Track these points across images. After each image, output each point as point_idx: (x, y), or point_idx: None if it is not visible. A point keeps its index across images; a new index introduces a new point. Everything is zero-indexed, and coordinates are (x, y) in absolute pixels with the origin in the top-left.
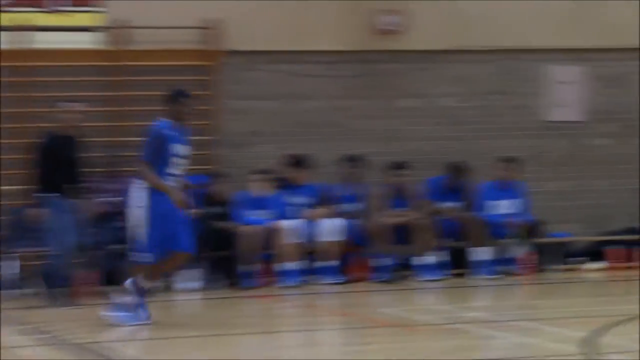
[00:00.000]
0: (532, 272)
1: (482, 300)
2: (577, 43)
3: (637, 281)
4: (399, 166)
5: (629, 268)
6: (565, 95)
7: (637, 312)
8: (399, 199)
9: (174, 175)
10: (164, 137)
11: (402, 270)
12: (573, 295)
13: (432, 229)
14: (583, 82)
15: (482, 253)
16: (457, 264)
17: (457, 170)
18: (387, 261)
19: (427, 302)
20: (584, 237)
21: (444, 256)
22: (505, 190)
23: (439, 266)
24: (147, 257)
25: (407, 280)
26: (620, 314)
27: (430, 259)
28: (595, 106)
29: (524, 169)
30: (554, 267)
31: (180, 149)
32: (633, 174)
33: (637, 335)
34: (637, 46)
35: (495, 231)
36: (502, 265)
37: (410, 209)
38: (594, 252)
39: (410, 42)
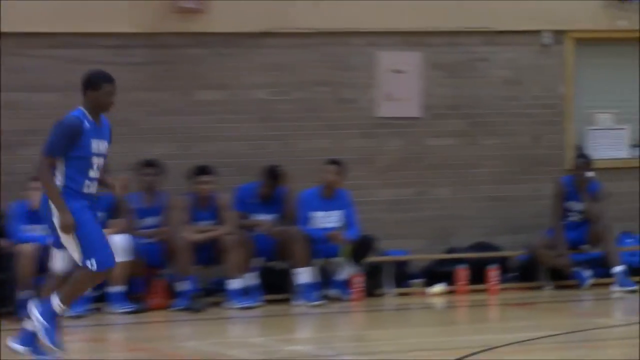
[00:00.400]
0: (363, 297)
1: (303, 331)
2: (414, 25)
3: (486, 306)
4: (202, 171)
5: (477, 291)
6: (400, 87)
7: (489, 344)
8: (204, 210)
9: (93, 179)
10: (80, 128)
11: (209, 296)
12: (411, 324)
13: (245, 246)
14: (421, 72)
15: (302, 275)
16: (274, 288)
17: (273, 175)
18: (191, 285)
19: (238, 334)
20: (424, 255)
21: (258, 279)
22: (330, 199)
23: (253, 291)
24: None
25: (216, 307)
26: (468, 346)
27: (243, 282)
28: (436, 100)
29: (351, 174)
30: (389, 291)
31: (98, 144)
32: (480, 180)
33: None
34: (488, 28)
35: (318, 249)
36: (327, 289)
37: (218, 222)
38: (436, 273)
39: (214, 23)
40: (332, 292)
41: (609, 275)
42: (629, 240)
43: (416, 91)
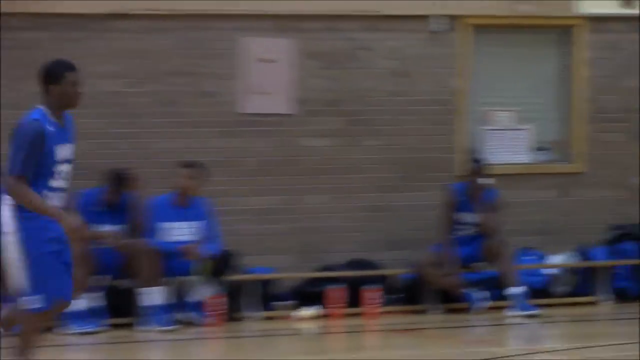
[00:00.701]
0: (222, 321)
1: None
2: (285, 7)
3: (364, 332)
4: None
5: (353, 315)
6: (270, 78)
7: None
8: None
9: (55, 189)
10: (43, 135)
11: None
12: (276, 353)
13: (86, 261)
14: (294, 61)
15: (152, 295)
16: (120, 310)
17: (119, 180)
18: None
19: None
20: (293, 274)
21: (101, 300)
22: (185, 208)
23: (95, 313)
24: (35, 303)
25: (50, 333)
26: None
27: (83, 303)
28: (311, 94)
29: (212, 178)
30: (252, 314)
31: (63, 150)
32: (360, 188)
33: None
34: (370, 12)
35: (170, 265)
36: (181, 311)
37: None
38: (306, 294)
39: (54, 3)
40: (186, 315)
41: (505, 297)
42: (528, 258)
43: (287, 84)
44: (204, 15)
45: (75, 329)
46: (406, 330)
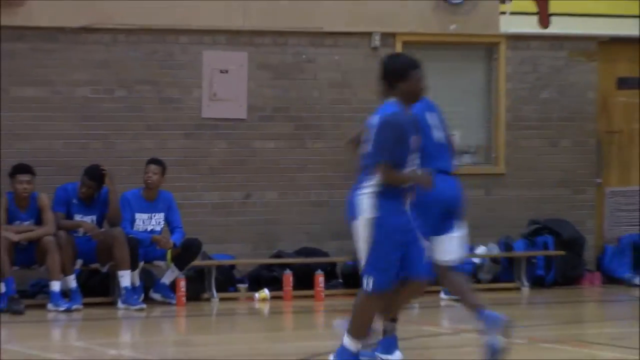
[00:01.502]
0: (187, 301)
1: (125, 335)
2: (241, 24)
3: (312, 312)
4: (20, 170)
5: (303, 297)
6: (226, 87)
7: (315, 351)
8: (23, 210)
9: None
10: (403, 127)
11: (29, 298)
12: (236, 330)
13: (66, 247)
14: (247, 72)
15: (125, 278)
16: (96, 290)
17: (94, 175)
18: (10, 287)
19: (59, 337)
20: (249, 260)
21: (79, 281)
22: (151, 201)
23: (74, 293)
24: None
25: (36, 310)
26: (294, 353)
27: (64, 284)
28: (262, 101)
29: (176, 176)
30: (213, 295)
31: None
32: (307, 184)
33: None
34: (316, 29)
35: (141, 251)
36: (150, 293)
37: (38, 222)
38: (261, 278)
39: (33, 16)
40: (156, 295)
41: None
42: None
43: (242, 92)
44: (169, 30)
45: (57, 306)
46: (348, 311)
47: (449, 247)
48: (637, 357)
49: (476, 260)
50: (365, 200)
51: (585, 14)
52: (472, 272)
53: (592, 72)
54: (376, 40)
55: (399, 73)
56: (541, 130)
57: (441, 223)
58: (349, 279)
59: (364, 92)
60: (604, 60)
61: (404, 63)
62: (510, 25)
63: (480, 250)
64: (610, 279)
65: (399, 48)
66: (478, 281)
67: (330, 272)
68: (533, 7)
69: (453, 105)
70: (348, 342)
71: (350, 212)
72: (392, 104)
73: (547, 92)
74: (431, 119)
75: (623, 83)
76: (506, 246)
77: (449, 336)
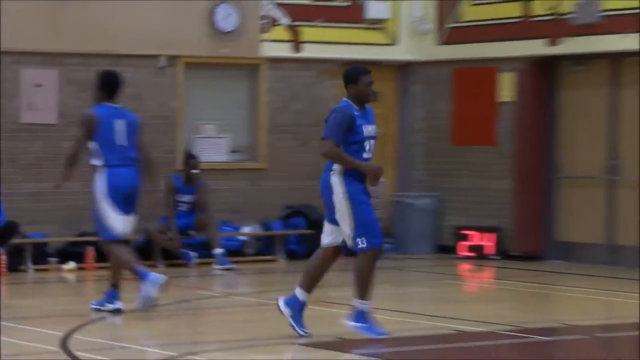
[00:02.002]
0: (7, 272)
1: None
2: (54, 47)
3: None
4: None
5: (102, 268)
6: (40, 98)
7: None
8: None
9: (366, 160)
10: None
11: None
12: (49, 294)
13: None
14: (59, 86)
15: None
16: None
17: None
18: None
19: None
20: (59, 238)
21: None
22: None
23: None
24: (362, 243)
25: None
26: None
27: None
28: (70, 110)
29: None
30: (29, 268)
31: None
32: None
33: (108, 333)
34: (113, 52)
35: None
36: None
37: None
38: (69, 253)
39: None
40: None
41: (211, 256)
42: (227, 228)
43: (53, 102)
44: None
45: None
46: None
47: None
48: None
49: (242, 238)
50: (335, 179)
51: (329, 41)
52: (239, 247)
53: (335, 87)
54: (162, 61)
55: (351, 77)
56: (294, 133)
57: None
58: (142, 252)
59: (152, 103)
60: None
61: (356, 70)
62: (270, 50)
63: (246, 229)
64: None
65: (181, 68)
66: (244, 255)
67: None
68: (288, 35)
69: (225, 114)
70: (361, 304)
71: (323, 190)
72: (345, 102)
73: (299, 104)
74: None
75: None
76: (266, 226)
77: (219, 299)
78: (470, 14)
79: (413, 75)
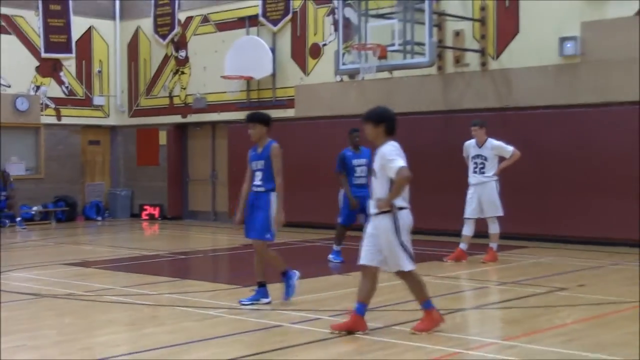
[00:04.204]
0: None
1: None
2: None
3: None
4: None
5: None
6: None
7: None
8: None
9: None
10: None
11: None
12: None
13: None
14: None
15: None
16: None
17: None
18: None
19: None
20: None
21: None
22: None
23: None
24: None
25: None
26: None
27: None
28: None
29: None
30: None
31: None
32: None
33: None
34: None
35: None
36: None
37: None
38: None
39: None
40: None
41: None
42: (24, 207)
43: None
44: None
45: None
46: None
47: None
48: None
49: (33, 211)
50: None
51: (71, 115)
52: (32, 217)
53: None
54: None
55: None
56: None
57: None
58: None
59: None
60: None
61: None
62: (44, 119)
63: (35, 207)
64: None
65: None
66: (33, 220)
67: None
68: (54, 112)
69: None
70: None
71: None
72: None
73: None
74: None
75: None
76: (44, 205)
77: None
78: (144, 102)
79: (118, 132)
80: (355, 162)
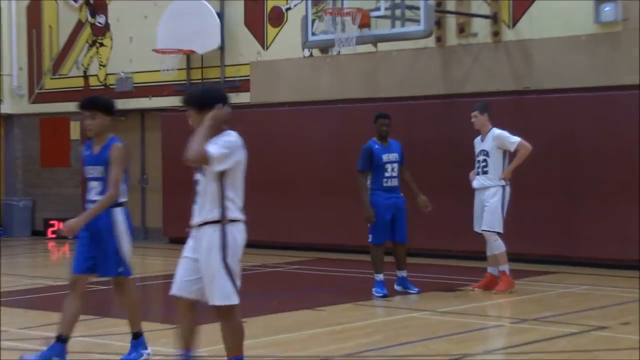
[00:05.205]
0: None
1: None
2: None
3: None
4: None
5: None
6: None
7: None
8: None
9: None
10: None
11: None
12: None
13: None
14: None
15: None
16: None
17: None
18: None
19: None
20: None
21: None
22: None
23: None
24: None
25: None
26: None
27: None
28: None
29: None
30: None
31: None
32: None
33: None
34: None
35: None
36: None
37: None
38: None
39: None
40: None
41: None
42: None
43: None
44: None
45: None
46: None
47: None
48: None
49: None
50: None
51: None
52: None
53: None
54: None
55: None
56: None
57: None
58: None
59: None
60: None
61: (377, 115)
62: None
63: None
64: None
65: None
66: None
67: None
68: None
69: None
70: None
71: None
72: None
73: None
74: None
75: None
76: None
77: None
78: (50, 84)
79: (15, 123)
80: (385, 157)
